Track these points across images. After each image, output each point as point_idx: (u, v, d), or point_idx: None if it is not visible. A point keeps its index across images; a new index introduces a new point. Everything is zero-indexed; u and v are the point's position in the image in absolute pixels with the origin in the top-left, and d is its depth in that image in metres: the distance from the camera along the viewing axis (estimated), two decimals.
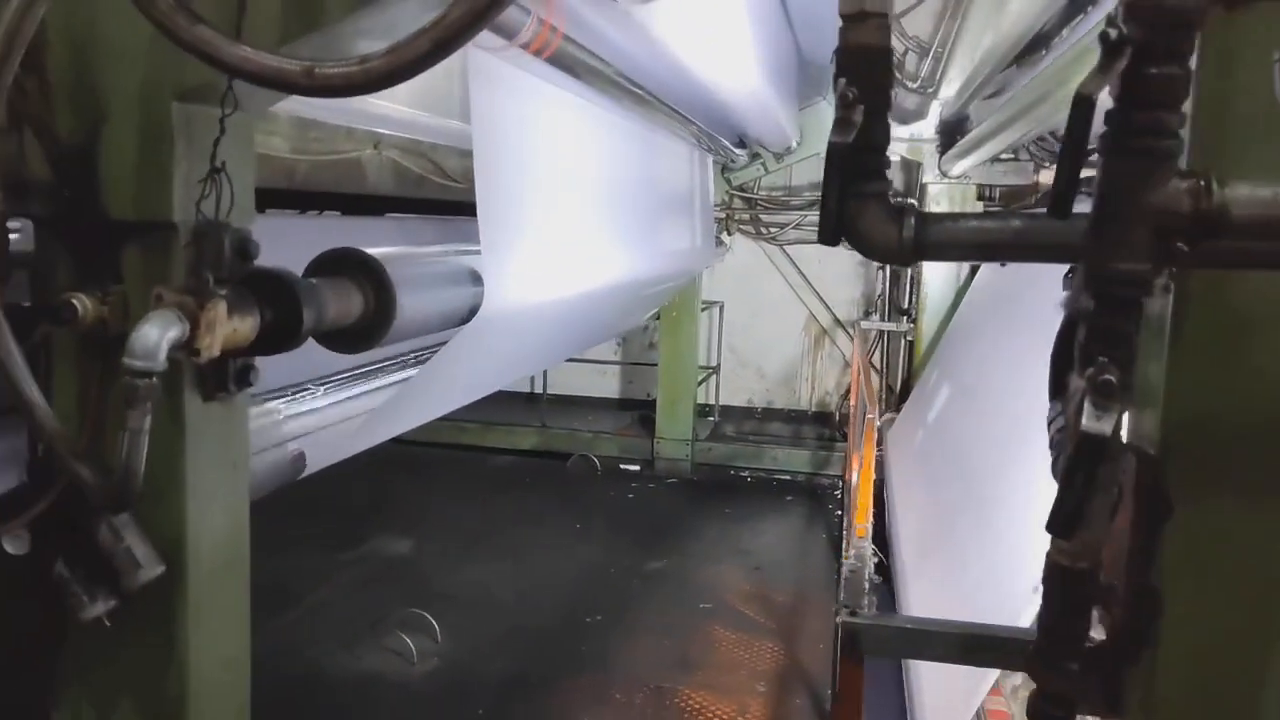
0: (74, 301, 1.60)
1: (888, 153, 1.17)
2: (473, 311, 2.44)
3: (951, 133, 7.26)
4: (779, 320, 9.76)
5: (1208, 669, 1.39)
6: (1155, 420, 1.45)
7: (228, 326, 1.55)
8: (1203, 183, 0.92)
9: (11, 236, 1.66)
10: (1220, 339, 1.36)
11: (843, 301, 9.54)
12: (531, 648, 4.67)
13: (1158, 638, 1.44)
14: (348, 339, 2.00)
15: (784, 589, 5.63)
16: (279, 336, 1.70)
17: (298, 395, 2.68)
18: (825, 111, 7.67)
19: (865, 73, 1.12)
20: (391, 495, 7.21)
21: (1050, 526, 0.99)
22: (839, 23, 1.12)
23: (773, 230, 9.07)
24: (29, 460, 1.73)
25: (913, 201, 1.21)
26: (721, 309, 9.58)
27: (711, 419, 9.45)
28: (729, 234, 8.93)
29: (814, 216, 8.72)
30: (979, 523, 3.45)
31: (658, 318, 8.47)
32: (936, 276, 7.92)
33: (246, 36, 1.50)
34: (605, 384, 10.23)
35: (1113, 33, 0.88)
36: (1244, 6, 1.25)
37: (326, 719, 4.03)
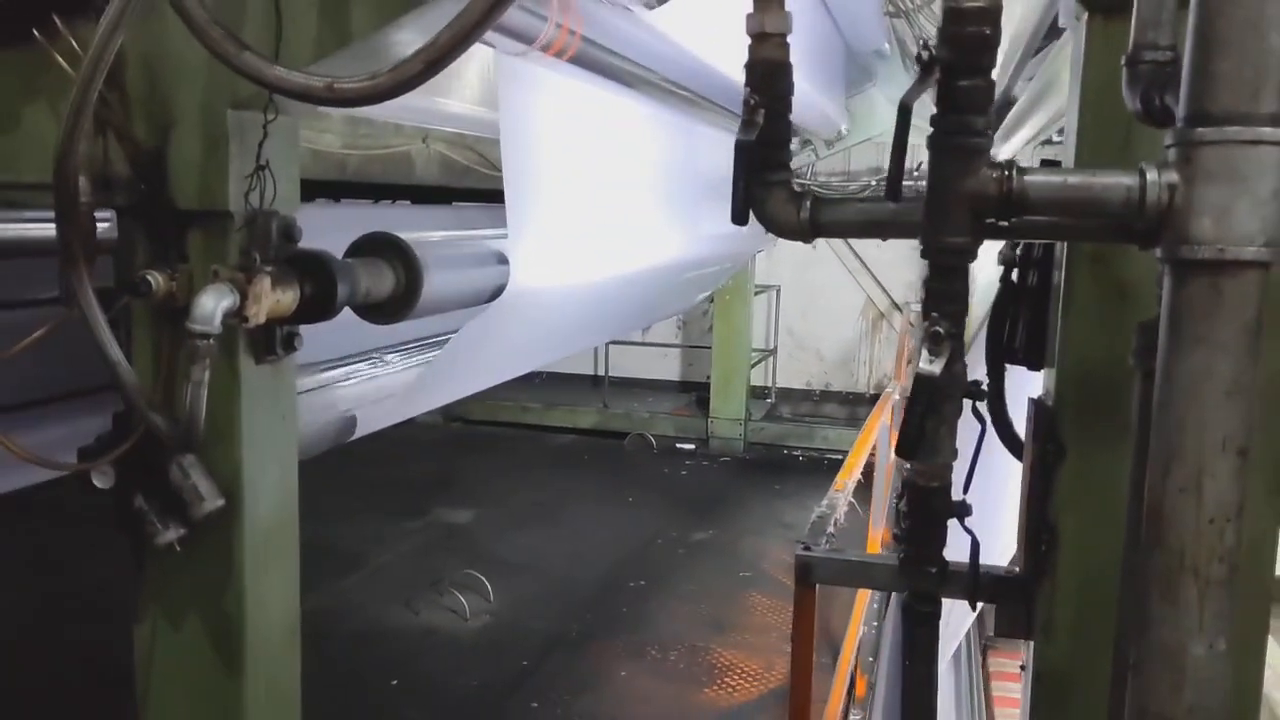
0: (149, 277, 1.92)
1: None
2: (498, 291, 2.72)
3: (999, 116, 7.32)
4: (837, 304, 9.90)
5: (1095, 595, 1.60)
6: (1051, 375, 1.67)
7: (272, 298, 1.85)
8: (1006, 172, 1.14)
9: (100, 226, 1.99)
10: (1102, 303, 1.58)
11: (900, 284, 9.64)
12: (576, 608, 4.98)
13: (1054, 568, 1.66)
14: (381, 311, 2.30)
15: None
16: (317, 307, 2.00)
17: (351, 365, 3.00)
18: (875, 98, 7.80)
19: (767, 82, 1.36)
20: (457, 470, 7.61)
21: (898, 450, 1.23)
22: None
23: None
24: (115, 413, 2.07)
25: (814, 186, 1.35)
26: (778, 293, 9.76)
27: (769, 400, 9.65)
28: None
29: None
30: (985, 490, 3.62)
31: (712, 301, 8.71)
32: (988, 260, 7.98)
33: (285, 53, 1.80)
34: (666, 366, 10.50)
35: (925, 55, 1.11)
36: (1120, 16, 1.46)
37: (386, 667, 4.38)
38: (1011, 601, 1.71)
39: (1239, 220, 1.06)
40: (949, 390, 1.24)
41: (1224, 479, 1.09)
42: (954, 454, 1.29)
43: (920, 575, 1.34)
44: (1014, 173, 1.15)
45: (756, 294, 9.14)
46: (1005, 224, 1.18)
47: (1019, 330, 1.78)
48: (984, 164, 1.16)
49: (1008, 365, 1.77)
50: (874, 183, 8.91)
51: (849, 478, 2.82)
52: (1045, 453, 1.63)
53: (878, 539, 4.12)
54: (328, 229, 2.43)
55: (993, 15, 1.12)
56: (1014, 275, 1.80)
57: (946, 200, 1.17)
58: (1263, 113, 1.05)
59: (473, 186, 3.94)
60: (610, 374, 9.74)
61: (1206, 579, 1.11)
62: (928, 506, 1.30)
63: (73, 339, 1.89)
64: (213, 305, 1.76)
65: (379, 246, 2.30)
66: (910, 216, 1.32)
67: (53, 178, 1.73)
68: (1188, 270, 1.09)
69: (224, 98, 1.91)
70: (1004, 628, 1.81)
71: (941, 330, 1.19)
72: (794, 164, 8.80)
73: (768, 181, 1.38)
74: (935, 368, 1.19)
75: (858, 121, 8.05)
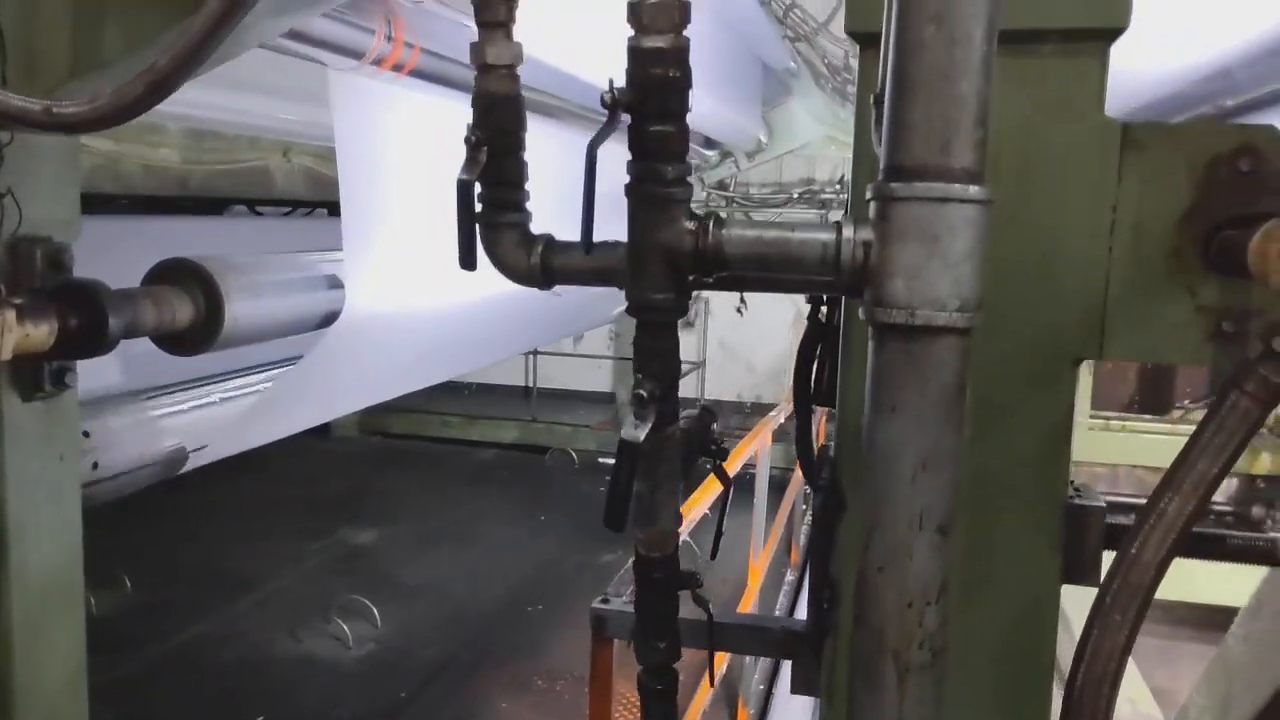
0: None
1: None
2: (330, 317, 2.59)
3: None
4: (768, 316, 9.88)
5: None
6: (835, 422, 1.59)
7: (19, 332, 1.72)
8: (702, 225, 1.06)
9: None
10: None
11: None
12: (468, 635, 4.85)
13: (837, 626, 1.58)
14: (181, 342, 2.17)
15: (733, 580, 5.75)
16: (86, 341, 1.87)
17: (183, 393, 2.86)
18: (795, 111, 7.80)
19: (492, 117, 1.26)
20: (369, 488, 7.44)
21: (606, 521, 1.13)
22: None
23: None
24: None
25: (549, 233, 1.30)
26: (707, 304, 9.71)
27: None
28: None
29: (800, 210, 8.85)
30: None
31: None
32: None
33: (36, 77, 1.68)
34: (598, 378, 10.39)
35: (608, 97, 1.02)
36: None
37: (258, 699, 4.22)
38: (802, 659, 1.62)
39: (930, 283, 0.97)
40: (661, 454, 1.14)
41: (922, 558, 1.01)
42: (677, 520, 1.20)
43: (649, 651, 1.25)
44: (711, 226, 1.06)
45: None
46: (709, 278, 1.09)
47: (825, 371, 1.70)
48: (681, 215, 1.07)
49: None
50: (796, 195, 8.89)
51: (689, 511, 2.73)
52: (827, 504, 1.54)
53: (762, 564, 4.04)
54: (168, 246, 2.30)
55: (675, 57, 1.03)
56: (820, 313, 1.71)
57: (645, 253, 1.08)
58: (954, 168, 0.97)
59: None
60: (541, 385, 9.61)
61: (906, 664, 1.02)
62: (650, 578, 1.21)
63: None
64: None
65: (179, 273, 2.18)
66: (618, 263, 1.23)
67: None
68: (884, 334, 1.01)
69: None
70: (798, 686, 1.73)
71: (645, 393, 1.09)
72: (716, 175, 8.80)
73: (498, 224, 1.28)
74: (640, 433, 1.09)
75: (778, 133, 8.03)
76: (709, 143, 7.43)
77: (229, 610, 5.05)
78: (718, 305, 9.89)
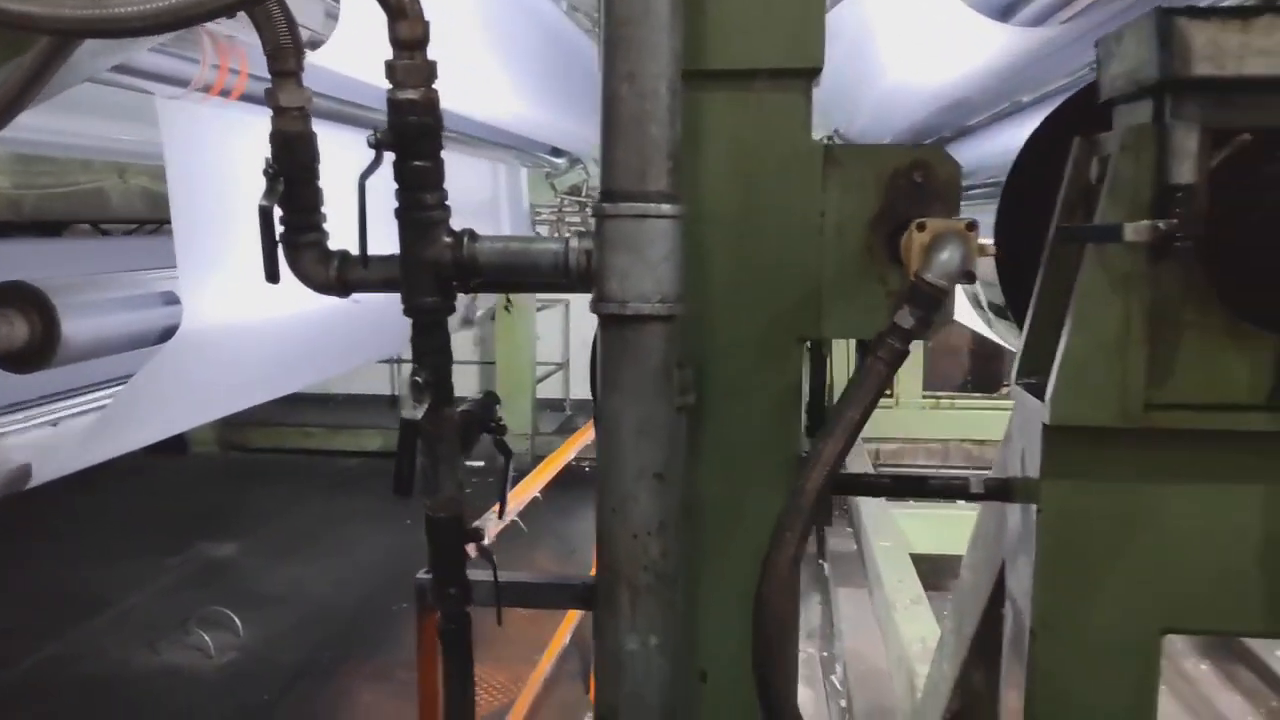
0: None
1: None
2: (169, 331, 2.72)
3: None
4: None
5: None
6: None
7: None
8: (458, 239, 1.30)
9: None
10: None
11: None
12: (332, 637, 4.96)
13: None
14: (17, 362, 2.29)
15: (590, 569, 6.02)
16: None
17: (27, 411, 2.93)
18: None
19: (287, 152, 1.47)
20: (228, 501, 7.40)
21: (394, 489, 1.36)
22: None
23: None
24: None
25: (345, 249, 1.50)
26: (568, 306, 9.94)
27: (566, 413, 9.81)
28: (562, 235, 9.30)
29: None
30: None
31: (494, 318, 8.80)
32: None
33: None
34: (464, 383, 10.46)
35: (372, 139, 1.26)
36: None
37: (118, 712, 4.26)
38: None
39: (636, 281, 1.24)
40: (439, 432, 1.38)
41: (645, 501, 1.28)
42: (459, 487, 1.44)
43: (445, 599, 1.48)
44: (466, 240, 1.30)
45: (542, 309, 9.30)
46: (470, 283, 1.34)
47: None
48: (441, 234, 1.31)
49: None
50: None
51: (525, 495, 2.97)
52: None
53: None
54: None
55: (426, 106, 1.27)
56: None
57: (413, 266, 1.32)
58: (650, 190, 1.24)
59: None
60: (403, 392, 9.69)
61: (635, 587, 1.29)
62: (440, 536, 1.45)
63: None
64: None
65: (13, 295, 2.29)
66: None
67: None
68: (606, 323, 1.27)
69: None
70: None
71: (421, 380, 1.33)
72: (568, 181, 9.06)
73: (299, 243, 1.49)
74: (418, 414, 1.33)
75: None
76: (556, 151, 7.66)
77: (83, 629, 5.02)
78: (579, 306, 10.14)
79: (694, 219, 1.63)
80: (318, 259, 1.49)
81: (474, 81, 4.02)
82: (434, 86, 1.28)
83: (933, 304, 1.38)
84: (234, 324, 3.01)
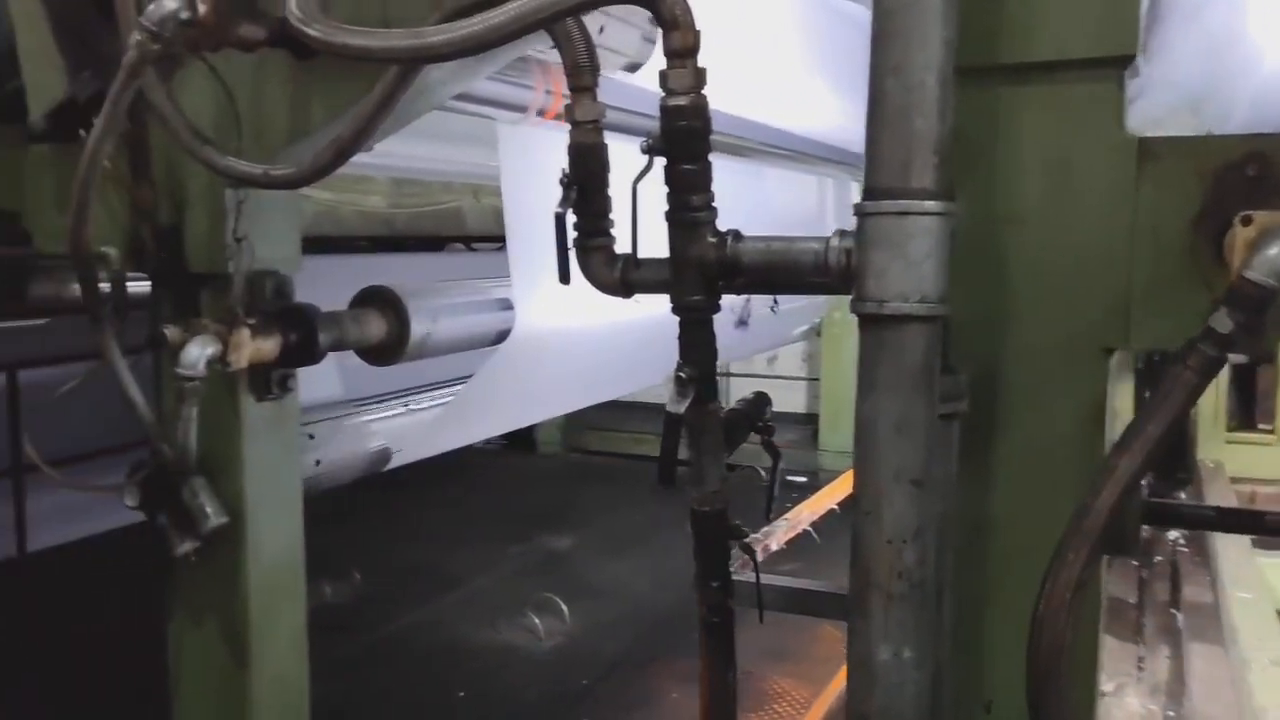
0: (165, 331, 2.31)
1: None
2: (504, 334, 3.01)
3: None
4: None
5: None
6: None
7: (252, 346, 2.20)
8: (722, 239, 1.34)
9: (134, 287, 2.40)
10: None
11: None
12: (646, 632, 5.19)
13: None
14: (376, 355, 2.64)
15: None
16: (302, 353, 2.34)
17: (387, 403, 3.36)
18: None
19: (581, 163, 1.59)
20: (568, 499, 7.98)
21: (659, 479, 1.42)
22: None
23: None
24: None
25: (630, 252, 1.52)
26: None
27: None
28: None
29: None
30: None
31: (819, 334, 8.78)
32: None
33: (259, 143, 2.16)
34: (792, 398, 10.57)
35: (645, 145, 1.33)
36: None
37: (459, 679, 4.73)
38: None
39: (894, 280, 1.22)
40: (704, 426, 1.42)
41: (899, 505, 1.24)
42: (723, 481, 1.47)
43: (706, 591, 1.52)
44: (730, 240, 1.34)
45: None
46: (735, 283, 1.37)
47: None
48: (707, 234, 1.35)
49: None
50: None
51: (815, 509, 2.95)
52: None
53: None
54: (378, 277, 2.79)
55: (697, 110, 1.32)
56: None
57: (681, 266, 1.38)
58: (914, 186, 1.21)
59: None
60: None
61: (889, 594, 1.25)
62: (703, 529, 1.49)
63: None
64: (197, 353, 2.12)
65: (375, 298, 2.64)
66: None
67: (69, 251, 2.13)
68: (864, 323, 1.26)
69: (221, 181, 2.29)
70: None
71: (685, 375, 1.38)
72: None
73: (589, 247, 1.60)
74: (680, 408, 1.38)
75: None
76: None
77: (436, 604, 5.64)
78: None
79: (989, 220, 1.56)
80: (605, 261, 1.59)
81: (795, 94, 4.06)
82: (703, 92, 1.33)
83: (1256, 306, 1.23)
84: (561, 328, 3.27)
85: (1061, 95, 1.55)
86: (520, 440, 9.74)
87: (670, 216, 1.36)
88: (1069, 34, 1.52)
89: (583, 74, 1.56)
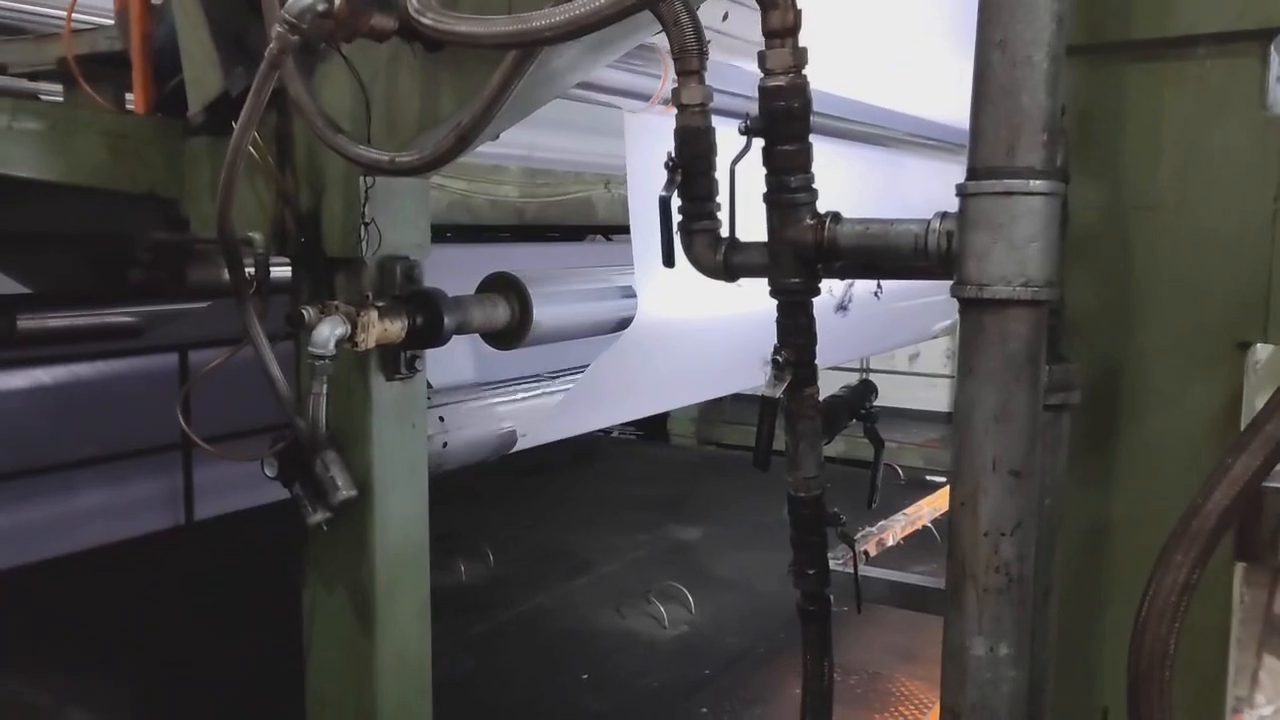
0: (303, 311, 2.44)
1: None
2: (625, 322, 3.04)
3: None
4: None
5: None
6: None
7: (379, 328, 2.30)
8: (820, 221, 1.31)
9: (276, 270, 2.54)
10: None
11: None
12: (769, 627, 5.14)
13: None
14: (500, 339, 2.71)
15: None
16: (427, 335, 2.43)
17: (514, 387, 3.45)
18: None
19: (687, 146, 1.59)
20: (699, 491, 7.98)
21: (754, 463, 1.41)
22: None
23: None
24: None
25: (733, 235, 1.45)
26: None
27: None
28: None
29: None
30: None
31: None
32: None
33: (390, 132, 2.25)
34: (934, 396, 10.27)
35: (743, 126, 1.32)
36: None
37: (583, 662, 4.81)
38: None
39: (995, 262, 1.17)
40: (800, 411, 1.41)
41: (996, 496, 1.20)
42: (819, 468, 1.45)
43: (802, 579, 1.50)
44: (829, 222, 1.32)
45: None
46: (833, 266, 1.35)
47: None
48: (805, 216, 1.34)
49: None
50: None
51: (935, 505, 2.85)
52: None
53: None
54: (507, 264, 2.88)
55: (796, 91, 1.30)
56: None
57: (778, 248, 1.36)
58: (1019, 165, 1.16)
59: None
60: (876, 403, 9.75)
61: (984, 586, 1.21)
62: (800, 515, 1.47)
63: None
64: (328, 333, 2.23)
65: (500, 284, 2.72)
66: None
67: (217, 234, 2.28)
68: (965, 307, 1.22)
69: (357, 169, 2.40)
70: None
71: (782, 359, 1.37)
72: None
73: (692, 230, 1.61)
74: (776, 392, 1.37)
75: None
76: None
77: (566, 586, 5.75)
78: None
79: (1114, 206, 1.48)
80: (709, 244, 1.59)
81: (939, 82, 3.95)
82: (803, 72, 1.31)
83: None
84: (683, 318, 3.28)
85: (1197, 73, 1.46)
86: (654, 431, 9.81)
87: (768, 198, 1.35)
88: (1206, 6, 1.42)
89: (689, 58, 1.56)
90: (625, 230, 4.74)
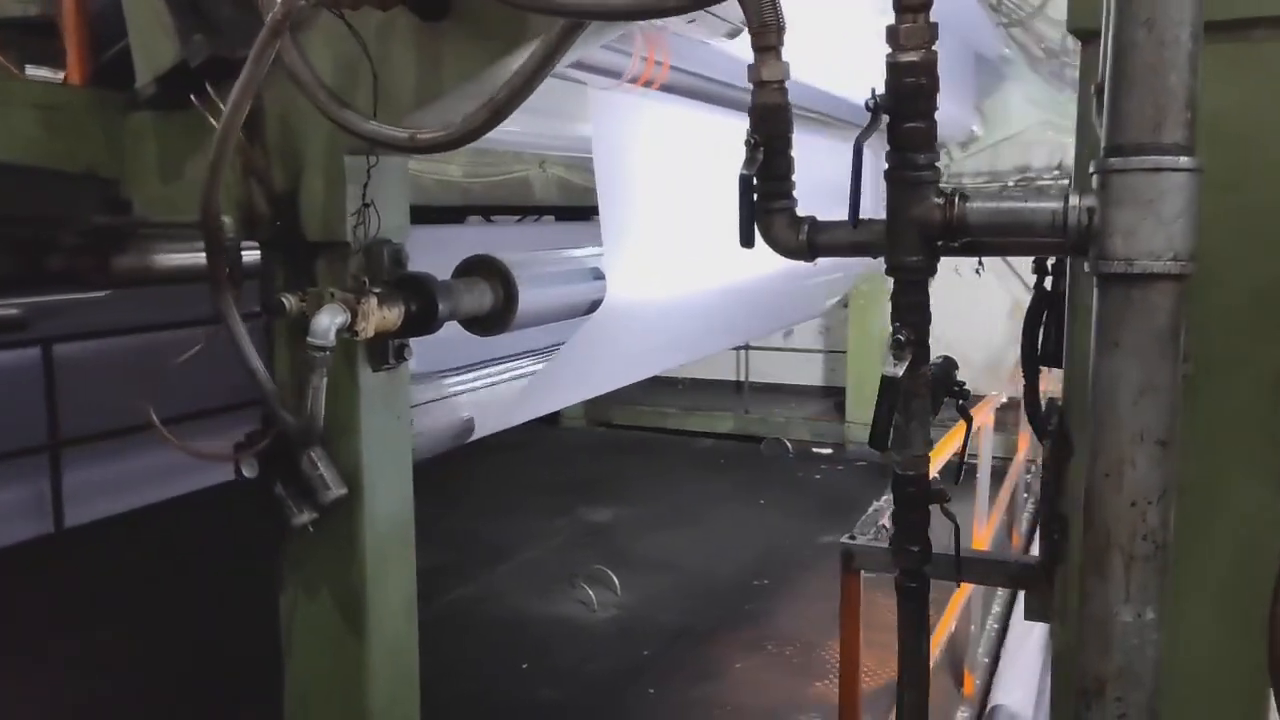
0: (283, 299, 2.28)
1: None
2: (595, 304, 2.98)
3: None
4: (983, 306, 9.71)
5: None
6: (1063, 377, 1.79)
7: (379, 315, 2.17)
8: (948, 199, 1.31)
9: (247, 256, 2.36)
10: None
11: None
12: (700, 605, 5.21)
13: (1067, 556, 1.77)
14: (483, 325, 2.61)
15: None
16: (421, 323, 2.31)
17: (468, 374, 3.34)
18: (1009, 97, 7.71)
19: (766, 123, 1.55)
20: (601, 473, 7.98)
21: (870, 442, 1.40)
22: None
23: None
24: (262, 414, 2.44)
25: (813, 215, 1.48)
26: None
27: None
28: None
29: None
30: None
31: (846, 305, 8.75)
32: None
33: (387, 106, 2.12)
34: (809, 371, 10.57)
35: (870, 102, 1.30)
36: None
37: (521, 650, 4.74)
38: (1036, 588, 1.83)
39: (1144, 238, 1.19)
40: (915, 389, 1.40)
41: (1144, 467, 1.22)
42: (927, 446, 1.45)
43: (905, 555, 1.51)
44: (956, 200, 1.31)
45: None
46: (955, 244, 1.34)
47: (1051, 334, 1.89)
48: (931, 194, 1.33)
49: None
50: (1011, 183, 8.72)
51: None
52: (1057, 449, 1.75)
53: (985, 537, 4.17)
54: (452, 249, 2.75)
55: (925, 67, 1.29)
56: (1046, 283, 1.90)
57: (900, 226, 1.35)
58: (1165, 142, 1.19)
59: (591, 204, 4.24)
60: (752, 379, 9.92)
61: (1131, 554, 1.24)
62: (905, 493, 1.47)
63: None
64: (328, 322, 2.09)
65: (481, 267, 2.61)
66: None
67: (200, 217, 2.10)
68: (1106, 283, 1.23)
69: (341, 146, 2.25)
70: (1032, 613, 1.93)
71: (903, 338, 1.36)
72: None
73: (770, 209, 1.57)
74: (898, 370, 1.36)
75: (992, 122, 7.96)
76: None
77: (489, 575, 5.64)
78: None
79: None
80: (788, 224, 1.56)
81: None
82: (934, 49, 1.30)
83: None
84: (647, 300, 3.25)
85: (1252, 54, 1.52)
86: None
87: (890, 175, 1.34)
88: None
89: (767, 32, 1.52)
90: (565, 210, 4.66)
